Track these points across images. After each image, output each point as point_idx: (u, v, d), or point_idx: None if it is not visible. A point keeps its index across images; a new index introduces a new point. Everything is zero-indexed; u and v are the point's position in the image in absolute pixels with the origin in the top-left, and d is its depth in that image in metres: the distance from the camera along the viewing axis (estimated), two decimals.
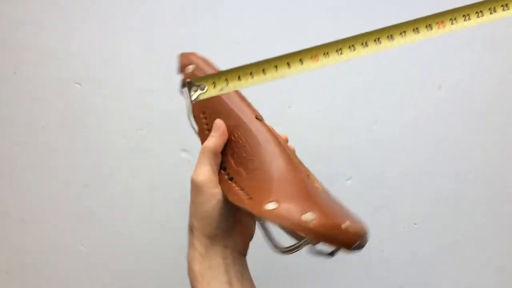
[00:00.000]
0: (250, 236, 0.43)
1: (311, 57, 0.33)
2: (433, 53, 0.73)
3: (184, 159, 0.71)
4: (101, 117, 0.71)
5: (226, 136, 0.41)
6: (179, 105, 0.71)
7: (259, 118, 0.43)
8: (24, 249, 0.72)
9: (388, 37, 0.32)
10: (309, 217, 0.31)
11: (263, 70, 0.33)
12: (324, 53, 0.33)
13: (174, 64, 0.43)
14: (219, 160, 0.41)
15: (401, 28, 0.33)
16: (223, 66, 0.71)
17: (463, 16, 0.32)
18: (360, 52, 0.33)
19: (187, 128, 0.72)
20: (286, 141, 0.45)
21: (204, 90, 0.35)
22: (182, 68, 0.42)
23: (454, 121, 0.74)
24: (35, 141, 0.71)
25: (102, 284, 0.72)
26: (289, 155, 0.40)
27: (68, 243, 0.72)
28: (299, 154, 0.73)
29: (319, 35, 0.72)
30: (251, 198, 0.36)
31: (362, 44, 0.33)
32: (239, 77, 0.34)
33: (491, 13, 0.32)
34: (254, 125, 0.41)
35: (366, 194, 0.74)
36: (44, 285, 0.72)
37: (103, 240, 0.72)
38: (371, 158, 0.73)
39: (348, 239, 0.31)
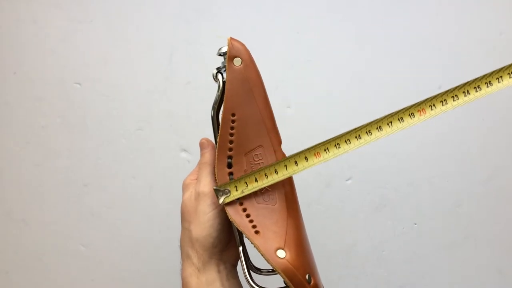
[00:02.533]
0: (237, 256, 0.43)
1: (314, 154, 0.39)
2: (433, 53, 0.73)
3: (184, 159, 0.71)
4: (101, 117, 0.71)
5: (214, 148, 0.43)
6: (179, 105, 0.72)
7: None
8: (24, 249, 0.72)
9: (377, 128, 0.40)
10: (308, 280, 0.38)
11: (275, 170, 0.39)
12: (324, 149, 0.39)
13: (219, 45, 0.42)
14: (214, 168, 0.42)
15: (387, 119, 0.39)
16: None
17: (441, 101, 0.38)
18: (355, 144, 0.39)
19: (187, 128, 0.72)
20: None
21: (228, 194, 0.39)
22: (230, 57, 0.41)
23: (453, 121, 0.74)
24: (35, 141, 0.71)
25: (102, 284, 0.73)
26: (297, 200, 0.42)
27: (68, 243, 0.72)
28: None
29: (318, 34, 0.73)
30: (258, 232, 0.38)
31: (356, 137, 0.40)
32: (256, 179, 0.39)
33: (465, 96, 0.38)
34: (278, 155, 0.41)
35: (366, 194, 0.74)
36: (44, 285, 0.72)
37: (103, 240, 0.72)
38: (371, 158, 0.73)
39: None
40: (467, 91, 0.38)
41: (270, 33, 0.72)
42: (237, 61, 0.41)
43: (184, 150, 0.71)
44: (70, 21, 0.70)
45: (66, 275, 0.72)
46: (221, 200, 0.39)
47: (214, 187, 0.39)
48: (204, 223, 0.39)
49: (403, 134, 0.73)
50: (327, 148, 0.38)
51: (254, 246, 0.37)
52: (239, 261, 0.41)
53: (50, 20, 0.70)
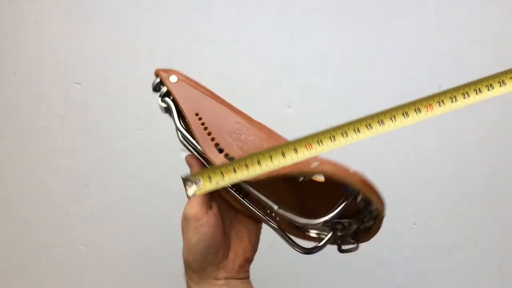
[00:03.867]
0: (246, 259, 0.42)
1: (306, 145, 0.34)
2: (433, 53, 0.73)
3: (184, 159, 0.71)
4: (101, 117, 0.71)
5: (200, 164, 0.41)
6: None
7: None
8: (24, 249, 0.72)
9: (379, 122, 0.35)
10: (354, 170, 0.35)
11: (258, 161, 0.34)
12: (318, 141, 0.35)
13: (151, 81, 0.44)
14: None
15: (391, 113, 0.35)
16: (224, 66, 0.71)
17: (450, 98, 0.35)
18: (353, 138, 0.35)
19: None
20: None
21: (199, 186, 0.35)
22: (165, 78, 0.42)
23: (454, 121, 0.74)
24: (35, 141, 0.71)
25: (102, 284, 0.73)
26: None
27: (68, 243, 0.72)
28: None
29: (318, 35, 0.73)
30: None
31: (354, 130, 0.35)
32: (234, 170, 0.34)
33: (476, 94, 0.35)
34: (255, 123, 0.42)
35: None
36: (44, 285, 0.72)
37: (103, 240, 0.72)
38: (370, 157, 0.73)
39: (379, 196, 0.36)
40: (479, 89, 0.35)
41: (270, 33, 0.72)
42: (173, 78, 0.43)
43: (184, 150, 0.71)
44: (70, 21, 0.70)
45: (66, 275, 0.72)
46: (190, 192, 0.35)
47: (183, 177, 0.36)
48: (190, 248, 0.39)
49: (403, 134, 0.74)
50: (321, 141, 0.35)
51: (328, 174, 0.34)
52: (284, 239, 0.40)
53: (50, 20, 0.70)
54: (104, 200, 0.72)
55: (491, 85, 0.35)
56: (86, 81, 0.71)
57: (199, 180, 0.35)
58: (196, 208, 0.38)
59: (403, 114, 0.35)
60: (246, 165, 0.34)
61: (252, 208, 0.41)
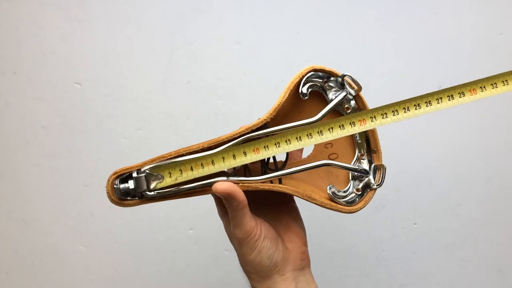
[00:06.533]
0: (302, 253, 0.42)
1: (253, 150, 0.38)
2: (433, 53, 0.73)
3: None
4: (101, 117, 0.71)
5: (235, 189, 0.37)
6: (179, 105, 0.72)
7: None
8: (24, 249, 0.72)
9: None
10: None
11: (212, 162, 0.38)
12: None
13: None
14: (245, 200, 0.38)
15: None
16: (224, 66, 0.71)
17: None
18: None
19: (187, 128, 0.72)
20: None
21: (161, 180, 0.38)
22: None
23: (453, 121, 0.74)
24: (35, 141, 0.71)
25: (102, 284, 0.73)
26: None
27: (68, 243, 0.72)
28: None
29: (318, 34, 0.73)
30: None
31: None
32: (191, 168, 0.38)
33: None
34: None
35: None
36: (44, 285, 0.72)
37: (103, 240, 0.72)
38: None
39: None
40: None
41: (270, 33, 0.72)
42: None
43: None
44: (70, 21, 0.70)
45: (66, 275, 0.72)
46: (152, 185, 0.38)
47: (147, 171, 0.38)
48: (250, 262, 0.39)
49: (403, 134, 0.74)
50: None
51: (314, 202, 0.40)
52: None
53: (50, 20, 0.70)
54: (104, 200, 0.72)
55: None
56: (86, 81, 0.71)
57: (162, 176, 0.38)
58: (247, 225, 0.38)
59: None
60: (202, 165, 0.37)
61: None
